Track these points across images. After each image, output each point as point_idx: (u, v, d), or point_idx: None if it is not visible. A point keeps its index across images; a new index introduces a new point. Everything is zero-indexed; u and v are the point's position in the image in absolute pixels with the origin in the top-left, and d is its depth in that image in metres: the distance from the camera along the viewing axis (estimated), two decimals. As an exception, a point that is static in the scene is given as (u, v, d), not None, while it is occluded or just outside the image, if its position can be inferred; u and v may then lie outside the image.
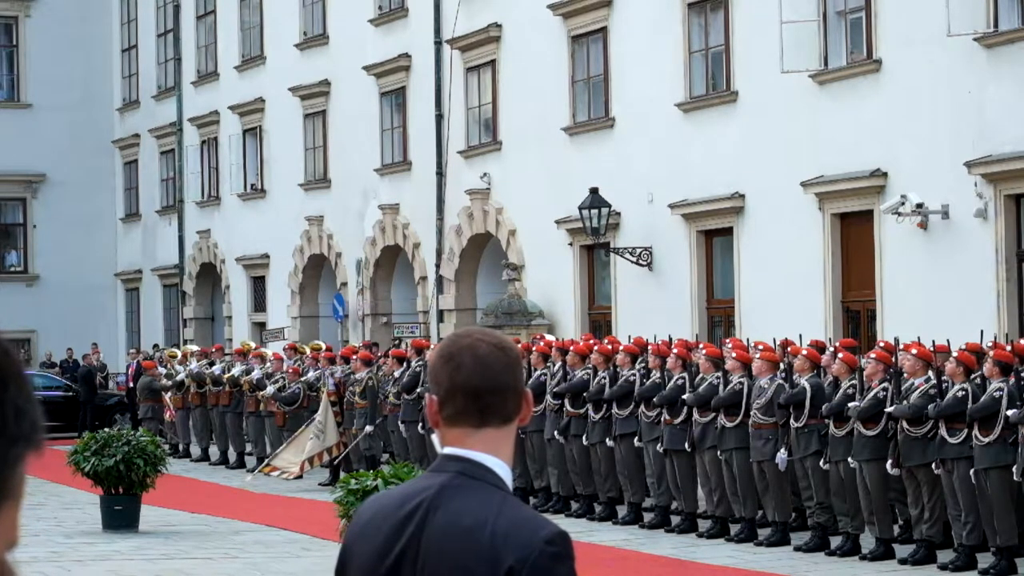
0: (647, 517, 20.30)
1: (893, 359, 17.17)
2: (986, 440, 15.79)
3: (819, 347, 19.37)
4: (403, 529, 3.26)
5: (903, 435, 16.59)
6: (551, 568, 3.14)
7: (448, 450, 3.30)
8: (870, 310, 23.33)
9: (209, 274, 42.82)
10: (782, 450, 18.08)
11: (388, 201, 34.32)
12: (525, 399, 3.32)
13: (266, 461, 26.43)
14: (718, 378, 18.92)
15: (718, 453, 18.88)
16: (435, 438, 3.38)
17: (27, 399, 1.91)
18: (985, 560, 16.03)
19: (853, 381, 17.33)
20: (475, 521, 3.19)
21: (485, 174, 31.27)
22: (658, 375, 19.86)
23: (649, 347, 20.69)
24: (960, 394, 16.15)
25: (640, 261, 27.12)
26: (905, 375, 16.77)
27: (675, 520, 19.88)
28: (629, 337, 22.00)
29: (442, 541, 3.21)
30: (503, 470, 3.27)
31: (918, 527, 16.83)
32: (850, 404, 17.07)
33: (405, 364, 25.08)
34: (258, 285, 40.58)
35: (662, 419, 19.61)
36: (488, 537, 3.16)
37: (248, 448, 29.69)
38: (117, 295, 47.45)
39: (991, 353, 16.29)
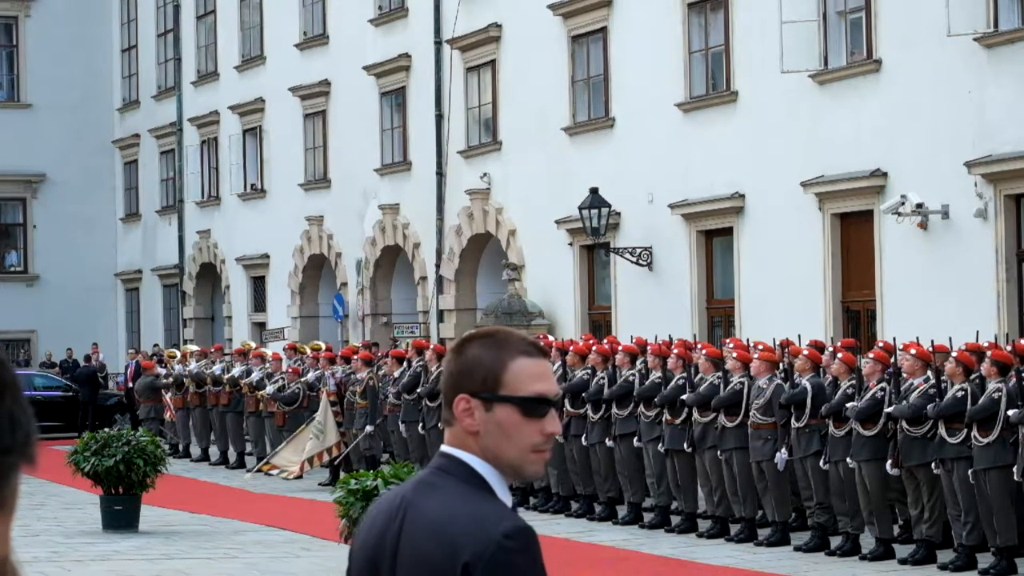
0: (647, 517, 20.28)
1: (891, 359, 17.17)
2: (985, 440, 15.78)
3: (819, 347, 19.37)
4: (389, 526, 3.29)
5: (903, 435, 16.59)
6: (508, 563, 3.09)
7: (441, 447, 3.36)
8: (870, 310, 23.32)
9: (209, 274, 42.80)
10: (782, 450, 18.08)
11: (388, 201, 34.31)
12: None
13: (265, 459, 26.43)
14: (719, 378, 18.91)
15: (718, 453, 18.88)
16: None
17: (22, 409, 1.85)
18: (985, 560, 16.02)
19: (852, 381, 17.34)
20: (441, 516, 3.19)
21: (485, 174, 31.26)
22: (658, 375, 19.85)
23: (649, 347, 20.68)
24: (960, 394, 16.13)
25: (640, 261, 27.11)
26: (904, 375, 16.77)
27: (675, 520, 19.88)
28: (631, 337, 21.99)
29: (414, 536, 3.22)
30: (478, 464, 3.24)
31: (918, 527, 16.83)
32: (848, 404, 17.07)
33: (405, 364, 25.08)
34: (258, 285, 40.57)
35: (663, 419, 19.61)
36: (451, 532, 3.15)
37: (248, 448, 29.69)
38: (117, 295, 47.42)
39: (989, 353, 16.28)
